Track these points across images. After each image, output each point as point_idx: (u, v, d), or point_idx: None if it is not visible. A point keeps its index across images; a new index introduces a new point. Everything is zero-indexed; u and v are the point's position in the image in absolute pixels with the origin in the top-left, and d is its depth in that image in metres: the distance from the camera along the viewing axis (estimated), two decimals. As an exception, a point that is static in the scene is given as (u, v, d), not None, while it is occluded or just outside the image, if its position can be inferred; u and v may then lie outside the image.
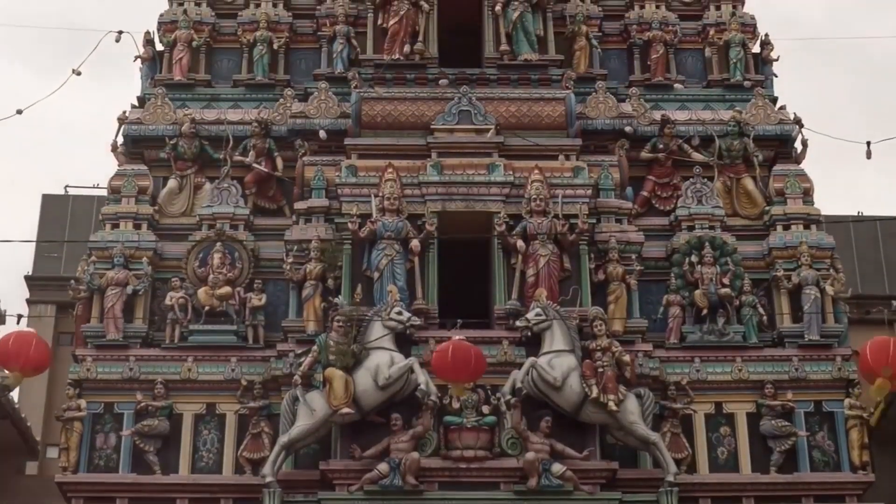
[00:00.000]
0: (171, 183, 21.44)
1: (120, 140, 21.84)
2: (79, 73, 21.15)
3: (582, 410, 18.61)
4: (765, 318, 20.24)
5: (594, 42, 22.66)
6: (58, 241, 31.71)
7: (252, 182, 21.30)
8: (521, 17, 22.20)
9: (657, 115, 21.69)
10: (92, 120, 51.12)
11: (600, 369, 18.67)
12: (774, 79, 22.78)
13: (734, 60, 22.55)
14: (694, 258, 20.34)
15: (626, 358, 18.93)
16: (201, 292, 20.09)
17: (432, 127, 20.95)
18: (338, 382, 18.44)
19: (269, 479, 18.27)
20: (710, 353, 19.90)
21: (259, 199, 21.37)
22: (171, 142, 21.45)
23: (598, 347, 18.89)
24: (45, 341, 19.07)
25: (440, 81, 21.59)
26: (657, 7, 23.14)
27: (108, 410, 19.69)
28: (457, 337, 18.03)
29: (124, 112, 21.98)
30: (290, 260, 20.12)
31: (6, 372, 18.99)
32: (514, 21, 22.16)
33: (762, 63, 22.85)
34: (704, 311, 20.07)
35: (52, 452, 26.48)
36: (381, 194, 20.02)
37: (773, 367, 19.85)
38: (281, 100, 21.91)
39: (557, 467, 18.27)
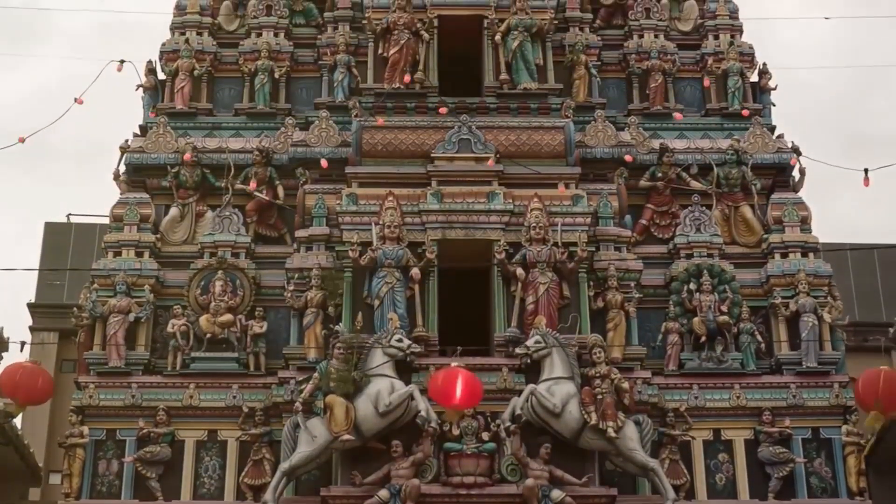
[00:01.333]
0: (173, 211, 21.83)
1: (122, 168, 22.21)
2: (81, 102, 21.39)
3: (581, 437, 18.94)
4: (763, 345, 20.59)
5: (593, 71, 23.04)
6: (60, 268, 31.92)
7: (253, 210, 21.69)
8: (520, 47, 22.51)
9: (656, 144, 22.07)
10: (95, 148, 51.60)
11: (599, 396, 18.99)
12: (772, 107, 23.19)
13: (732, 89, 22.93)
14: (692, 286, 20.69)
15: (625, 385, 19.26)
16: (203, 320, 20.42)
17: (432, 155, 21.28)
18: (338, 409, 18.77)
19: (270, 505, 18.55)
20: (708, 380, 20.24)
21: (260, 227, 21.75)
22: (173, 170, 21.84)
23: (598, 374, 19.21)
24: (48, 373, 19.44)
25: (439, 109, 21.92)
26: (656, 36, 23.53)
27: (111, 437, 20.04)
28: (454, 364, 18.40)
29: (126, 140, 22.37)
30: (291, 287, 20.47)
31: (8, 399, 19.27)
32: (514, 50, 22.48)
33: (760, 92, 23.23)
34: (703, 339, 20.42)
35: (55, 478, 26.59)
36: (381, 222, 20.34)
37: (770, 394, 20.19)
38: (282, 128, 22.31)
39: (557, 493, 18.55)
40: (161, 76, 23.33)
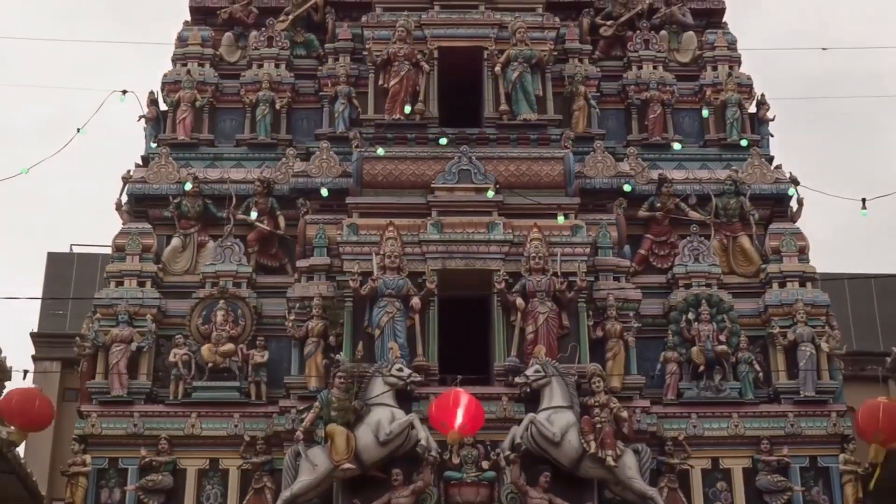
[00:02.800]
0: (175, 241, 22.22)
1: (124, 199, 22.61)
2: (83, 133, 21.77)
3: (580, 466, 19.31)
4: (761, 374, 20.93)
5: (592, 102, 23.46)
6: (63, 298, 32.16)
7: (255, 240, 22.09)
8: (520, 78, 22.89)
9: (655, 175, 22.47)
10: (97, 178, 52.05)
11: (598, 425, 19.37)
12: (770, 138, 23.59)
13: (731, 120, 23.33)
14: (691, 315, 21.05)
15: (624, 414, 19.63)
16: (205, 349, 20.79)
17: (433, 186, 21.68)
18: (339, 438, 19.15)
19: (271, 534, 18.92)
20: (706, 409, 20.58)
21: (261, 257, 22.14)
22: (175, 200, 22.26)
23: (597, 403, 19.57)
24: (48, 398, 19.77)
25: (439, 140, 22.32)
26: (655, 68, 23.96)
27: (113, 465, 20.35)
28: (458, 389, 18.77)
29: (128, 171, 22.77)
30: (292, 317, 20.83)
31: (11, 427, 19.58)
32: (514, 81, 22.86)
33: (758, 123, 23.63)
34: (701, 368, 20.77)
35: (58, 507, 26.96)
36: (382, 252, 20.71)
37: (769, 422, 20.54)
38: (283, 159, 22.71)
39: (557, 521, 18.95)
40: (163, 107, 23.73)
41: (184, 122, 23.37)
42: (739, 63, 24.19)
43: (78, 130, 21.17)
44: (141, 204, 22.58)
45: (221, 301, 21.18)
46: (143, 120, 23.53)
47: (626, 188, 22.21)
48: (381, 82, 23.09)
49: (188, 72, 23.78)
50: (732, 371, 20.82)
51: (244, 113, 23.58)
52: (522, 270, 20.71)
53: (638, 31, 24.35)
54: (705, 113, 23.50)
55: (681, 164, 23.03)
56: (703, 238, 22.02)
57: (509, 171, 21.95)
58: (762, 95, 23.81)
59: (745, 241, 22.22)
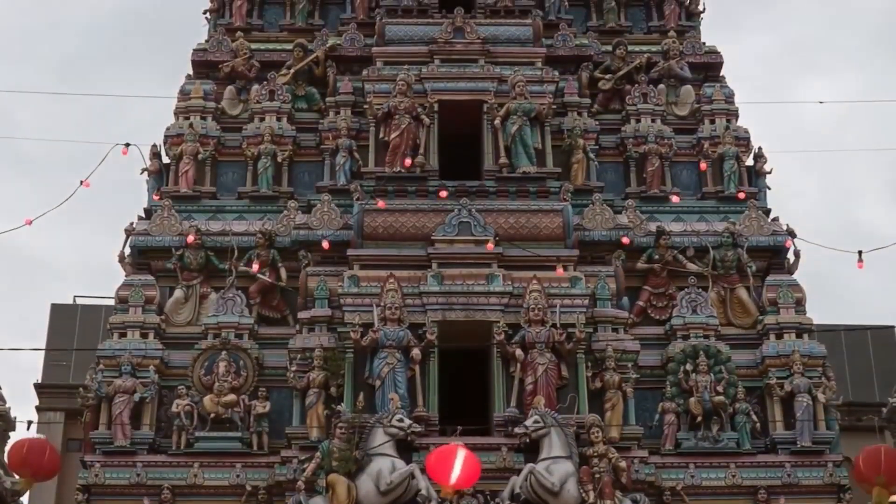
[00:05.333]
0: (178, 293, 22.86)
1: (127, 251, 23.23)
2: (87, 185, 22.13)
3: (579, 515, 19.92)
4: (758, 424, 21.51)
5: (591, 155, 24.03)
6: (66, 349, 32.57)
7: (256, 292, 22.73)
8: (519, 131, 23.55)
9: (653, 227, 23.06)
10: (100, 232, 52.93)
11: (597, 475, 20.05)
12: (767, 191, 24.19)
13: (728, 173, 23.95)
14: (689, 366, 21.63)
15: (623, 464, 20.26)
16: (207, 400, 21.38)
17: (433, 238, 22.31)
18: (340, 488, 19.82)
19: (273, 582, 19.53)
20: (704, 459, 21.15)
21: (263, 308, 22.78)
22: (178, 252, 22.88)
23: (595, 454, 20.24)
24: (55, 449, 20.36)
25: (440, 193, 22.91)
26: (653, 121, 24.56)
27: (116, 515, 20.95)
28: (455, 444, 19.37)
29: (131, 223, 23.42)
30: (294, 368, 21.43)
31: (16, 476, 20.15)
32: (513, 134, 23.52)
33: (755, 175, 24.25)
34: (699, 418, 21.35)
35: (63, 556, 27.48)
36: (382, 304, 21.35)
37: (766, 472, 21.14)
38: (285, 211, 23.32)
39: (556, 571, 19.56)
40: (165, 160, 24.32)
41: (186, 175, 23.97)
42: (737, 116, 24.77)
43: (81, 183, 21.89)
44: (144, 256, 23.17)
45: (223, 352, 21.77)
46: (145, 173, 24.15)
47: (625, 241, 22.82)
48: (381, 135, 23.70)
49: (191, 125, 24.35)
50: (730, 421, 21.37)
51: (246, 166, 24.16)
52: (522, 322, 21.34)
53: (636, 85, 24.96)
54: (703, 167, 24.12)
55: (679, 216, 23.62)
56: (700, 290, 22.60)
57: (509, 224, 22.57)
58: (759, 148, 24.43)
59: (742, 293, 22.83)
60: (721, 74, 25.74)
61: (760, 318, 22.55)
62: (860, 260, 21.13)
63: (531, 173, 23.27)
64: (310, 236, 22.85)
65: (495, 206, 22.88)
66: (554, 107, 24.17)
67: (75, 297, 36.33)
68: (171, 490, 20.83)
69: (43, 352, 33.14)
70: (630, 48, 25.57)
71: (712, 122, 24.70)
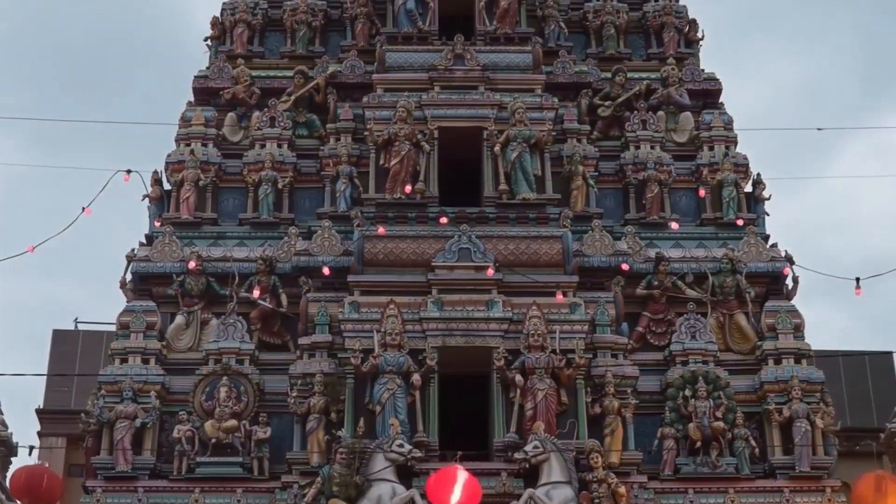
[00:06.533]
0: (179, 319, 23.16)
1: (128, 277, 23.52)
2: (89, 213, 22.38)
3: (579, 540, 20.20)
4: (756, 450, 21.77)
5: (591, 181, 24.35)
6: (68, 374, 32.77)
7: (257, 318, 23.02)
8: (519, 157, 23.83)
9: (652, 253, 23.36)
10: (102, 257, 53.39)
11: (597, 500, 20.35)
12: (766, 217, 24.50)
13: (727, 199, 24.27)
14: (688, 392, 21.89)
15: (622, 489, 20.52)
16: (208, 425, 21.62)
17: (433, 264, 22.59)
18: (341, 513, 20.11)
19: None
20: (703, 484, 21.41)
21: (264, 334, 23.06)
22: (179, 278, 23.20)
23: (595, 479, 20.52)
24: (57, 475, 20.58)
25: (440, 219, 23.17)
26: (652, 147, 24.87)
27: (118, 540, 21.21)
28: (455, 466, 19.67)
29: (132, 249, 23.71)
30: (295, 394, 21.70)
31: (18, 502, 20.41)
32: (513, 161, 23.79)
33: (754, 202, 24.55)
34: (698, 444, 21.60)
35: (64, 582, 27.63)
36: (382, 330, 21.62)
37: (764, 497, 21.41)
38: (285, 238, 23.61)
39: None
40: (166, 186, 24.62)
41: (187, 202, 24.28)
42: (736, 143, 25.09)
43: (83, 209, 22.19)
44: (145, 282, 23.46)
45: (224, 378, 22.03)
46: (146, 199, 24.48)
47: (624, 267, 23.11)
48: (381, 162, 23.98)
49: (191, 152, 24.67)
50: (729, 447, 21.63)
51: (247, 192, 24.48)
52: (521, 348, 21.62)
53: (635, 112, 25.30)
54: (702, 193, 24.44)
55: (678, 242, 23.91)
56: (699, 316, 22.89)
57: (508, 250, 22.85)
58: (758, 175, 24.73)
59: (741, 319, 23.12)
60: (720, 101, 26.07)
61: (759, 343, 22.82)
62: (858, 287, 21.52)
63: (531, 200, 23.54)
64: (310, 262, 23.10)
65: (495, 232, 23.14)
66: (553, 133, 24.45)
67: (77, 322, 36.67)
68: (173, 515, 21.11)
69: (45, 377, 33.39)
70: (629, 75, 25.93)
71: (711, 148, 24.99)
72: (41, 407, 34.46)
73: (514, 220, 23.41)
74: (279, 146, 24.85)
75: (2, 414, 25.26)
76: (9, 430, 24.88)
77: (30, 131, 63.83)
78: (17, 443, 24.34)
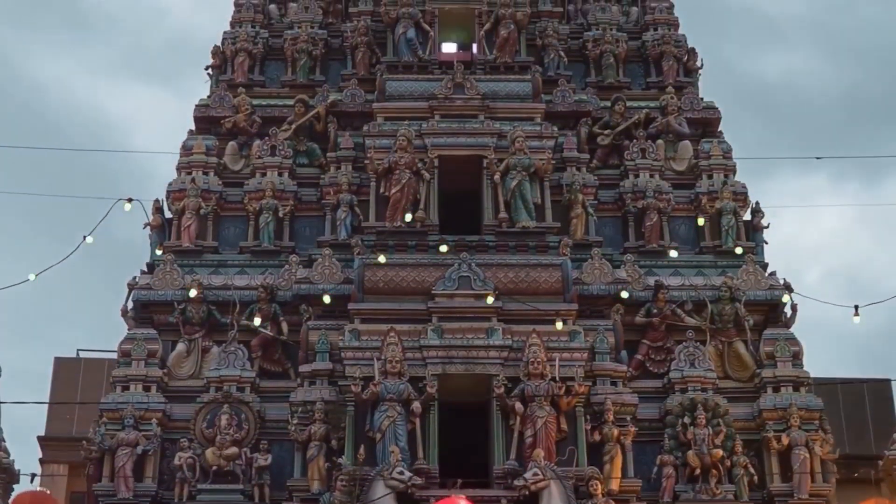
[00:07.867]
0: (180, 346, 23.45)
1: (130, 305, 23.78)
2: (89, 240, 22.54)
3: (578, 566, 20.50)
4: (755, 477, 22.04)
5: (590, 210, 24.66)
6: (70, 402, 32.96)
7: (258, 346, 23.31)
8: (519, 186, 24.15)
9: (651, 281, 23.65)
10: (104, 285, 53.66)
11: (596, 527, 20.60)
12: (765, 245, 24.77)
13: (726, 228, 24.60)
14: (687, 419, 22.17)
15: (621, 516, 20.85)
16: (209, 452, 21.92)
17: (433, 292, 22.87)
18: (342, 539, 20.40)
19: None
20: (702, 511, 21.68)
21: (265, 362, 23.34)
22: (180, 307, 23.48)
23: (594, 506, 20.79)
24: (59, 502, 20.80)
25: (440, 247, 23.44)
26: (651, 176, 25.18)
27: (120, 566, 21.45)
28: (454, 495, 20.00)
29: (134, 278, 23.99)
30: (295, 421, 22.01)
31: (21, 529, 20.70)
32: (513, 189, 24.11)
33: (753, 230, 24.85)
34: (697, 471, 21.86)
35: None
36: (383, 357, 21.92)
37: (763, 524, 21.69)
38: (286, 266, 23.93)
39: None
40: (168, 215, 24.94)
41: (188, 230, 24.62)
42: (734, 171, 25.40)
43: (84, 238, 22.40)
44: (146, 310, 23.76)
45: (225, 405, 22.32)
46: (148, 227, 24.76)
47: (624, 295, 23.38)
48: (382, 190, 24.30)
49: (192, 180, 25.01)
50: (727, 474, 21.91)
51: (248, 220, 24.81)
52: (521, 375, 21.90)
53: (635, 141, 25.61)
54: (701, 221, 24.75)
55: (677, 270, 24.22)
56: (698, 343, 23.19)
57: (508, 278, 23.10)
58: (756, 203, 25.03)
59: (739, 347, 23.40)
60: (719, 130, 26.33)
61: (758, 371, 23.08)
62: (856, 314, 21.80)
63: (530, 228, 23.83)
64: (311, 290, 23.38)
65: (495, 260, 23.40)
66: (553, 162, 24.74)
67: (78, 350, 36.79)
68: (174, 542, 21.36)
69: (46, 405, 33.54)
70: (629, 104, 26.25)
71: (710, 177, 25.32)
72: (43, 434, 34.47)
73: (514, 248, 23.68)
74: (280, 175, 25.17)
75: (4, 441, 25.48)
76: (11, 458, 25.08)
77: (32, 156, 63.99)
78: (19, 470, 24.53)
